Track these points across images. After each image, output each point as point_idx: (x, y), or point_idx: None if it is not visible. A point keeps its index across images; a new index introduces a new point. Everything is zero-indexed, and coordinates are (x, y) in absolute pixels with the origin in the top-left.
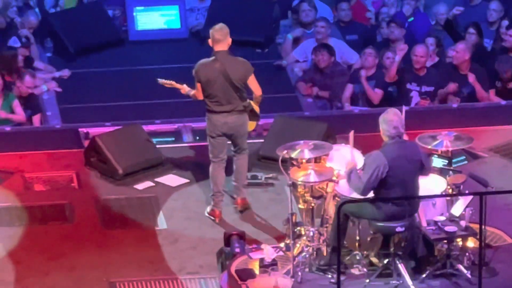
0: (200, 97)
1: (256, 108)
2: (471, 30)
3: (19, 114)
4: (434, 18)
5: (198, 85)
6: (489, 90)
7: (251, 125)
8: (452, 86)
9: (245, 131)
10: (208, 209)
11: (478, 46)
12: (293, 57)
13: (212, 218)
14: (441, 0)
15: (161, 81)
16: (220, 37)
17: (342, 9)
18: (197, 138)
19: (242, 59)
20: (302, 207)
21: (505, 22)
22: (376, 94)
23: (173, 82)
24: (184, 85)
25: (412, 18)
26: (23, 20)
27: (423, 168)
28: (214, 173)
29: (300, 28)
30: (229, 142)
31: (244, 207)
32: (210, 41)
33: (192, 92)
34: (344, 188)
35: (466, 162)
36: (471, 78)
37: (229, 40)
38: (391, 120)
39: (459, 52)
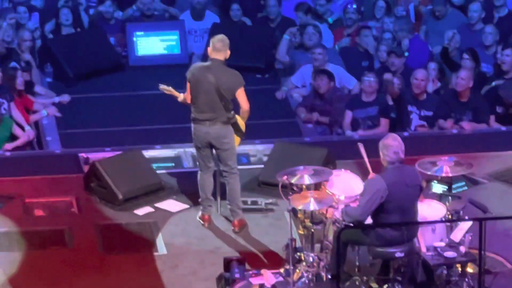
0: (189, 100)
1: (242, 124)
2: (465, 55)
3: (21, 135)
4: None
5: (188, 85)
6: (489, 117)
7: (236, 141)
8: (449, 123)
9: (230, 145)
10: (199, 213)
11: (475, 72)
12: (292, 83)
13: (202, 223)
14: (445, 26)
15: (162, 86)
16: (221, 48)
17: (365, 36)
18: (197, 163)
19: (235, 71)
20: (302, 232)
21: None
22: (384, 127)
23: (172, 89)
24: (182, 94)
25: (407, 53)
26: (18, 41)
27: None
28: (202, 181)
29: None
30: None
31: (242, 228)
32: (209, 49)
33: (184, 95)
34: None
35: (466, 188)
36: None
37: (228, 53)
38: (391, 145)
39: (464, 79)
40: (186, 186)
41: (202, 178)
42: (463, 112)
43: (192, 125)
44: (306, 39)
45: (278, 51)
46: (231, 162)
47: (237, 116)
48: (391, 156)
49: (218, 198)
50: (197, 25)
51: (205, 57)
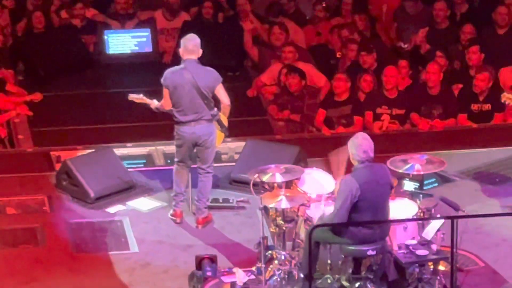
0: (167, 106)
1: (224, 120)
2: (439, 53)
3: None
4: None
5: (166, 92)
6: (458, 112)
7: (219, 138)
8: (423, 124)
9: (213, 143)
10: (171, 211)
11: (448, 69)
12: (261, 81)
13: (174, 218)
14: (417, 24)
15: (131, 96)
16: (193, 48)
17: (336, 34)
18: (168, 161)
19: (211, 68)
20: (274, 230)
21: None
22: (358, 125)
23: (144, 98)
24: (154, 100)
25: None
26: None
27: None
28: (178, 174)
29: None
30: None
31: (205, 224)
32: (181, 50)
33: (160, 103)
34: (315, 212)
35: (436, 184)
36: None
37: (200, 51)
38: (360, 144)
39: (436, 74)
40: (158, 184)
41: (178, 171)
42: (433, 105)
43: (176, 127)
44: (273, 39)
45: (245, 42)
46: (210, 161)
47: (220, 113)
48: (361, 155)
49: (190, 197)
50: (169, 24)
51: (176, 55)
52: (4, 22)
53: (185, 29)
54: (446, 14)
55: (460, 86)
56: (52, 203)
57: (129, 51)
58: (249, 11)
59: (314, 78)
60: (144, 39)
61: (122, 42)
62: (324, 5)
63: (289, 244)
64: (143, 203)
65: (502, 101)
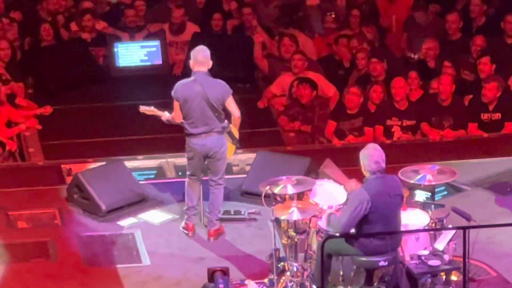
0: (178, 119)
1: (235, 132)
2: (447, 63)
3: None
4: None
5: (176, 104)
6: (468, 123)
7: (230, 150)
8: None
9: (224, 154)
10: (182, 223)
11: (457, 79)
12: (271, 93)
13: (186, 232)
14: (426, 34)
15: (142, 108)
16: (203, 59)
17: (342, 44)
18: (180, 173)
19: (221, 80)
20: (286, 242)
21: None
22: (369, 136)
23: (155, 110)
24: (165, 112)
25: None
26: None
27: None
28: (190, 188)
29: None
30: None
31: (217, 237)
32: (191, 62)
33: (171, 115)
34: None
35: (446, 192)
36: None
37: (210, 63)
38: (371, 155)
39: (449, 85)
40: (169, 197)
41: (190, 185)
42: (444, 116)
43: (187, 139)
44: (283, 51)
45: (255, 55)
46: (221, 173)
47: (230, 125)
48: (372, 166)
49: (202, 208)
50: (178, 37)
51: (186, 67)
52: (13, 35)
53: (194, 41)
54: (458, 26)
55: (471, 96)
56: (63, 217)
57: (139, 63)
58: (256, 25)
59: (324, 88)
60: (154, 49)
61: (132, 53)
62: (333, 16)
63: (301, 255)
64: (154, 216)
65: None
